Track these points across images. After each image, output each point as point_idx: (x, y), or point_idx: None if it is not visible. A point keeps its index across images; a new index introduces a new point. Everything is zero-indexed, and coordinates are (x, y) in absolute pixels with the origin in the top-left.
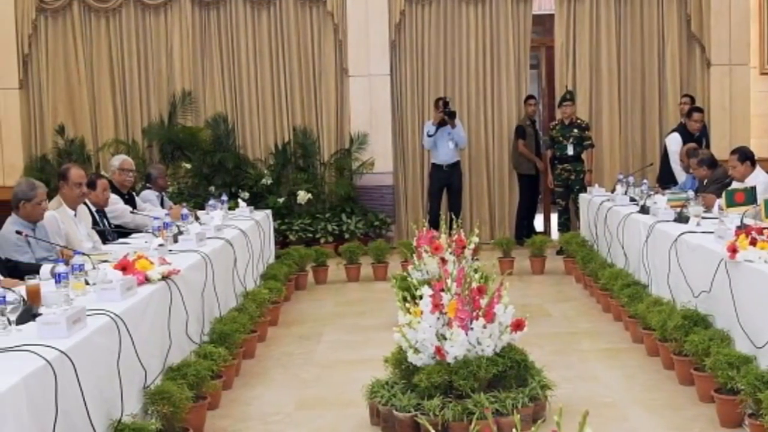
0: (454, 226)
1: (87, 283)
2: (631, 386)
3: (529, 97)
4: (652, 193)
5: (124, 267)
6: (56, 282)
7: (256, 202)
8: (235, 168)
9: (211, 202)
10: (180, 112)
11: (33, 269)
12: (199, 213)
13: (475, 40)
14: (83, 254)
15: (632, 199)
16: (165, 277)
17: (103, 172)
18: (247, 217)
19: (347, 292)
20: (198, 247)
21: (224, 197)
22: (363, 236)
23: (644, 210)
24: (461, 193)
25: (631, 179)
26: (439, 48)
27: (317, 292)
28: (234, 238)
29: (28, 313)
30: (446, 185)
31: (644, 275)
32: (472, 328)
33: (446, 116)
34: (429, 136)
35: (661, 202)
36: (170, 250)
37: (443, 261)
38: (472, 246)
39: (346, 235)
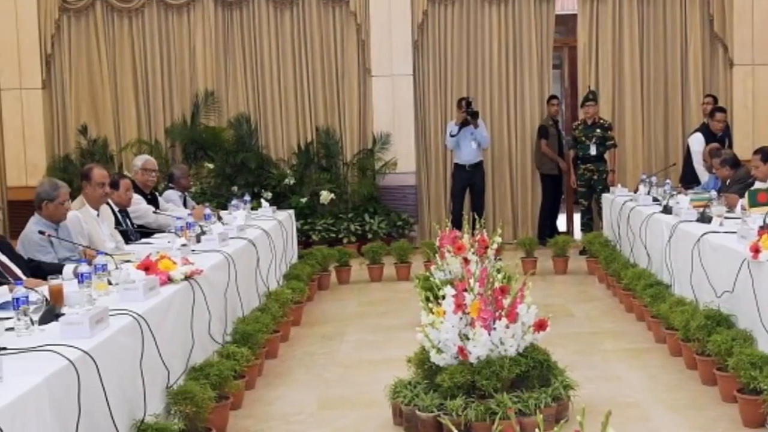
0: (477, 226)
1: (110, 283)
2: (654, 386)
3: (552, 97)
4: (674, 193)
5: (147, 267)
6: (79, 282)
7: (278, 202)
8: (257, 168)
9: (234, 202)
10: (203, 112)
11: (56, 269)
12: (222, 213)
13: (497, 40)
14: (106, 254)
15: (655, 199)
16: (188, 277)
17: (125, 172)
18: (270, 217)
19: (370, 292)
20: (221, 247)
21: (247, 197)
22: (386, 236)
23: (667, 210)
24: (484, 193)
25: (653, 179)
26: (462, 48)
27: (340, 292)
28: (257, 238)
29: (51, 313)
30: (469, 185)
31: (667, 275)
32: (494, 328)
33: (469, 116)
34: (452, 136)
35: (683, 202)
36: (193, 250)
37: (466, 261)
38: (495, 246)
39: (369, 235)
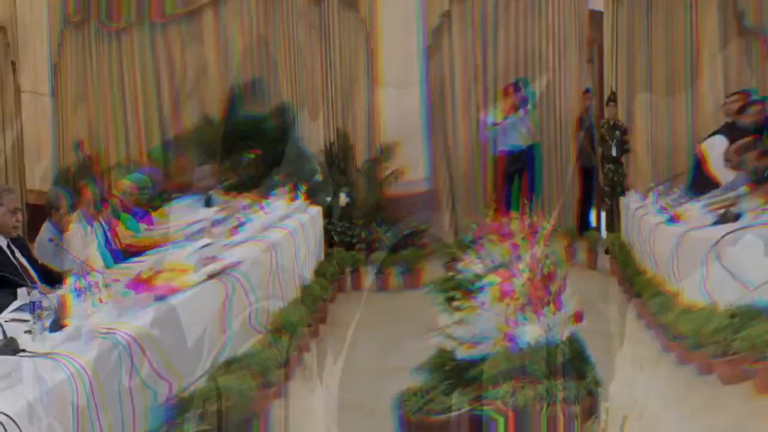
0: (526, 211)
1: (108, 297)
2: (667, 391)
3: (586, 90)
4: (683, 201)
5: (140, 284)
6: (77, 297)
7: (310, 198)
8: (297, 159)
9: (273, 192)
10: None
11: (62, 278)
12: (259, 206)
13: (515, 47)
14: (102, 270)
15: (664, 208)
16: (214, 275)
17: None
18: (304, 211)
19: (377, 300)
20: (257, 238)
21: (286, 189)
22: (393, 245)
23: (676, 218)
24: (534, 179)
25: (663, 186)
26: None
27: (351, 297)
28: (294, 230)
29: (58, 323)
30: (517, 170)
31: (675, 283)
32: (543, 314)
33: (522, 99)
34: (494, 125)
35: (693, 210)
36: (225, 244)
37: (515, 246)
38: (545, 232)
39: (377, 243)
